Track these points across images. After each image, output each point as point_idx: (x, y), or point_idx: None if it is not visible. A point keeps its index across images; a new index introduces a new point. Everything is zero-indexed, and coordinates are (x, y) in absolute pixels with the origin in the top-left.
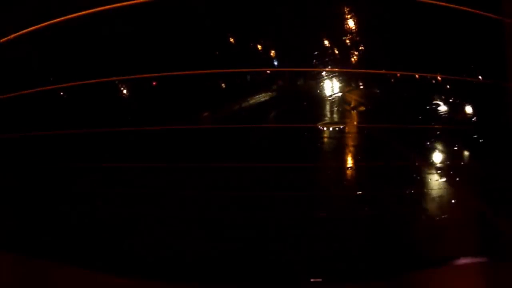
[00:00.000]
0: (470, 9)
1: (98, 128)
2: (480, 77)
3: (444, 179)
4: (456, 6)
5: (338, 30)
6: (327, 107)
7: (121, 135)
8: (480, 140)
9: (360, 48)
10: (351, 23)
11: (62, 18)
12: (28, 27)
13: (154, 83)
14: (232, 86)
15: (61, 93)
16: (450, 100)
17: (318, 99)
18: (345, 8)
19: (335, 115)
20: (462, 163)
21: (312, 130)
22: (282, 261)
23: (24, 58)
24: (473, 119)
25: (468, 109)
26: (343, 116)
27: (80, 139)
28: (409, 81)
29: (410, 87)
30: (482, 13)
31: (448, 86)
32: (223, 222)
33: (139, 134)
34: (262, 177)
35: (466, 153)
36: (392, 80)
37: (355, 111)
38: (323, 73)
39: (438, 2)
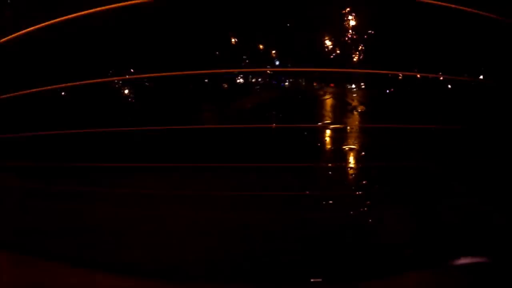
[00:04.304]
0: (480, 12)
1: (100, 128)
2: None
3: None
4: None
5: (339, 31)
6: (328, 107)
7: (122, 135)
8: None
9: (362, 48)
10: (352, 24)
11: (61, 19)
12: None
13: (152, 84)
14: (233, 86)
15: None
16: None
17: (318, 100)
18: (347, 9)
19: (336, 115)
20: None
21: (312, 130)
22: (282, 262)
23: (24, 58)
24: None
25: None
26: (345, 116)
27: (81, 139)
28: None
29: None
30: (490, 15)
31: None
32: (222, 223)
33: (140, 134)
34: (262, 177)
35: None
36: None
37: (356, 111)
38: (325, 74)
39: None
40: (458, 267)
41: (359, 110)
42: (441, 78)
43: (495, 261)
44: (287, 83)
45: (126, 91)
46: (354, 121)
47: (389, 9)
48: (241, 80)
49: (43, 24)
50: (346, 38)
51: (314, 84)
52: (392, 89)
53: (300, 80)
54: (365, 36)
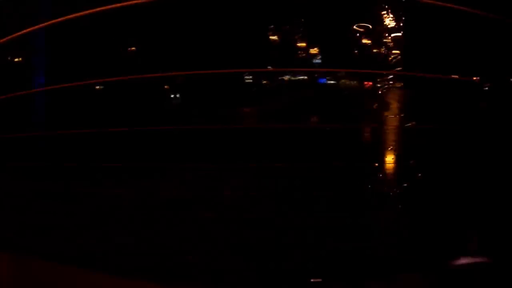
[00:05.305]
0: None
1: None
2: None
3: None
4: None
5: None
6: (367, 107)
7: (145, 134)
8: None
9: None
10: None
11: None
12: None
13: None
14: (274, 85)
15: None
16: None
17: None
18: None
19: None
20: None
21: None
22: (282, 262)
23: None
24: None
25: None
26: (384, 116)
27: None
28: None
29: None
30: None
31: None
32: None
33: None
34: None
35: None
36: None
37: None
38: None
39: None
40: (458, 267)
41: (398, 111)
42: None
43: (495, 261)
44: (327, 83)
45: (165, 89)
46: (393, 121)
47: (422, 14)
48: (283, 79)
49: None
50: (384, 41)
51: (353, 83)
52: (427, 90)
53: (339, 80)
54: (403, 39)
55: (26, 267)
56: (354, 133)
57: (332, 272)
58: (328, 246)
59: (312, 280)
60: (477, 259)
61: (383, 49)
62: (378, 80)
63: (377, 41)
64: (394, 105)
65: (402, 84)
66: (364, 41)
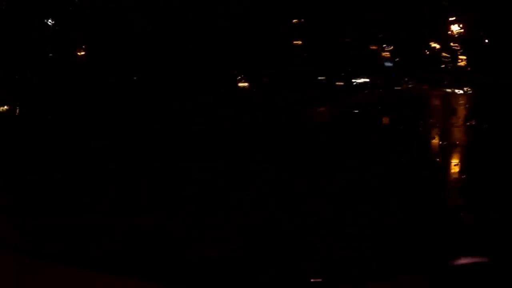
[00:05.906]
0: None
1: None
2: None
3: None
4: None
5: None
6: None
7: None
8: None
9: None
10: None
11: None
12: None
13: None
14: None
15: None
16: None
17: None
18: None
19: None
20: None
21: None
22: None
23: None
24: None
25: None
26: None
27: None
28: None
29: None
30: None
31: None
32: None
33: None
34: None
35: None
36: None
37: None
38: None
39: None
40: (458, 267)
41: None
42: None
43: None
44: (399, 86)
45: None
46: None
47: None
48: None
49: None
50: (454, 45)
51: (424, 87)
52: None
53: (411, 83)
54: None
55: (29, 268)
56: None
57: None
58: None
59: (312, 280)
60: (477, 259)
61: (456, 55)
62: (448, 83)
63: (451, 49)
64: (463, 108)
65: (473, 88)
66: (436, 46)
